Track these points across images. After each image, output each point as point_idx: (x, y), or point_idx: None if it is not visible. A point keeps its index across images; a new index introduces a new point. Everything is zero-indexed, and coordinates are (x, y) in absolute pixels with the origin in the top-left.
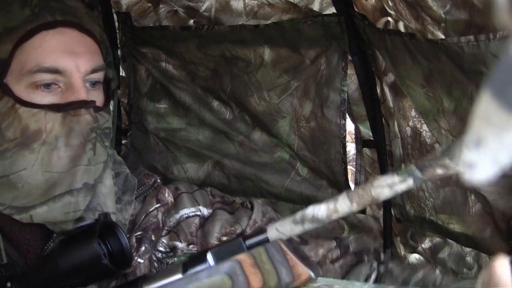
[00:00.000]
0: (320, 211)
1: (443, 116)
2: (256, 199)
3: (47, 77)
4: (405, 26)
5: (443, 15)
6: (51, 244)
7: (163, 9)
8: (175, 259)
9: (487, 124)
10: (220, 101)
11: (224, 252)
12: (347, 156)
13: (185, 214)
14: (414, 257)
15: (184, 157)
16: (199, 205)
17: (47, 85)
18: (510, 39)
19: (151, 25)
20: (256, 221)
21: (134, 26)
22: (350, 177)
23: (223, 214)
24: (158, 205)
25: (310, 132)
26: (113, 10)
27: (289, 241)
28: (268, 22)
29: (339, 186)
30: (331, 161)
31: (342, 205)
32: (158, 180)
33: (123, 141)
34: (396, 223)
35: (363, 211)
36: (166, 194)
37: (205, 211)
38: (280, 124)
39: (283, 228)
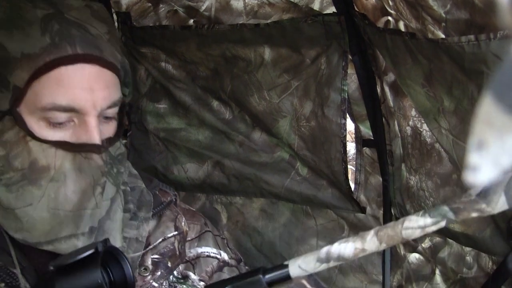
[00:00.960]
0: (346, 249)
1: (444, 116)
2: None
3: (61, 116)
4: (406, 26)
5: (443, 15)
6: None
7: (163, 8)
8: (184, 286)
9: (489, 127)
10: (220, 101)
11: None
12: (347, 155)
13: (207, 252)
14: (414, 257)
15: (184, 157)
16: (220, 249)
17: (61, 123)
18: (511, 40)
19: (151, 24)
20: None
21: (133, 26)
22: (350, 176)
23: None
24: (176, 232)
25: (310, 131)
26: (113, 10)
27: (310, 276)
28: (269, 21)
29: (339, 185)
30: (331, 160)
31: (371, 244)
32: (174, 199)
33: (123, 141)
34: None
35: (363, 211)
36: (183, 223)
37: (226, 256)
38: (280, 123)
39: (307, 266)
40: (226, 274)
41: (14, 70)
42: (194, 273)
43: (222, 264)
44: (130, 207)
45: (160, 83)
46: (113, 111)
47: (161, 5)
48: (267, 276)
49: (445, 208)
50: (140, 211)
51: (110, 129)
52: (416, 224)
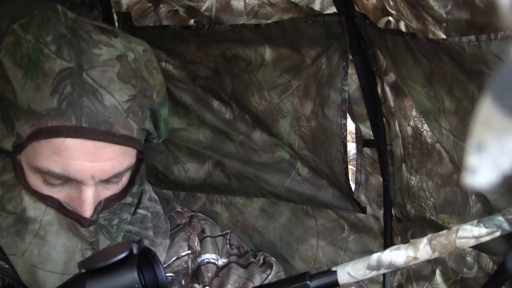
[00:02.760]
0: (398, 257)
1: (444, 116)
2: (268, 255)
3: (56, 181)
4: (406, 26)
5: (444, 15)
6: None
7: (164, 8)
8: None
9: (488, 129)
10: (220, 101)
11: None
12: (348, 155)
13: (206, 259)
14: None
15: (184, 157)
16: (219, 253)
17: (56, 184)
18: (511, 41)
19: (151, 25)
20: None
21: (134, 26)
22: (351, 176)
23: (238, 269)
24: (189, 252)
25: (310, 131)
26: (113, 10)
27: (357, 283)
28: (269, 21)
29: (340, 185)
30: (331, 160)
31: (423, 253)
32: (187, 221)
33: None
34: (397, 222)
35: (363, 211)
36: (196, 243)
37: (220, 262)
38: (281, 123)
39: (356, 273)
40: (224, 278)
41: (19, 118)
42: (198, 283)
43: (217, 270)
44: (149, 234)
45: None
46: (118, 178)
47: (161, 5)
48: (313, 282)
49: (500, 219)
50: (157, 237)
51: (114, 188)
52: (471, 234)
